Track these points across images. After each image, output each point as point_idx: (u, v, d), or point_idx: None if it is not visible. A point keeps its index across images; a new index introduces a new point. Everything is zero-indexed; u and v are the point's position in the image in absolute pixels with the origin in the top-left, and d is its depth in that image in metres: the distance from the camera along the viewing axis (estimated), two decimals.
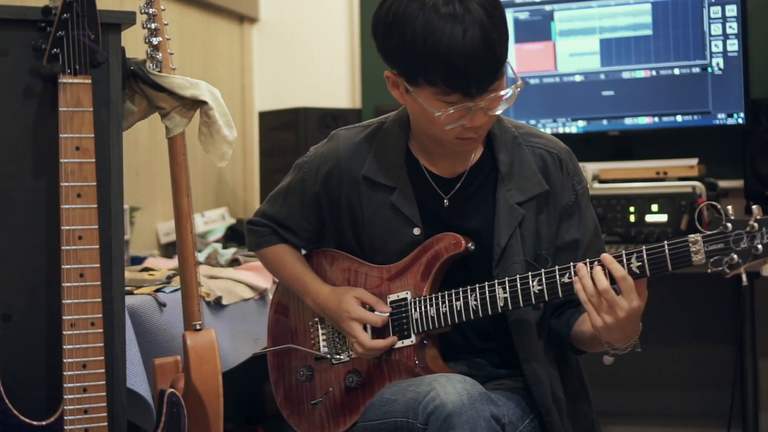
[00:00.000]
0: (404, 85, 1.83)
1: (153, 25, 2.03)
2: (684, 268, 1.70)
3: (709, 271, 1.68)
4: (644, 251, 1.72)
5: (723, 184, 3.29)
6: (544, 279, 1.81)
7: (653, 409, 3.66)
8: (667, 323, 3.61)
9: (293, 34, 4.13)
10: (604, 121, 3.42)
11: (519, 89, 1.82)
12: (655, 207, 3.08)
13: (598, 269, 1.74)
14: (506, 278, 1.85)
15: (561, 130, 3.44)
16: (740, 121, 3.24)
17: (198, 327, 2.03)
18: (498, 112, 1.82)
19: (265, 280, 2.72)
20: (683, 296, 3.57)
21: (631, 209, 3.11)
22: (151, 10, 2.04)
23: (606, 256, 1.74)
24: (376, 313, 1.95)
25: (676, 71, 3.32)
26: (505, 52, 1.78)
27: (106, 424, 1.78)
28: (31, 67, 1.83)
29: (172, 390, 1.87)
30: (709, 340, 3.59)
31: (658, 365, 3.66)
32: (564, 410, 1.95)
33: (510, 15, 3.50)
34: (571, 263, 1.79)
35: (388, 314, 1.95)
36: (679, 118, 3.34)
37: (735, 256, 1.66)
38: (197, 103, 2.02)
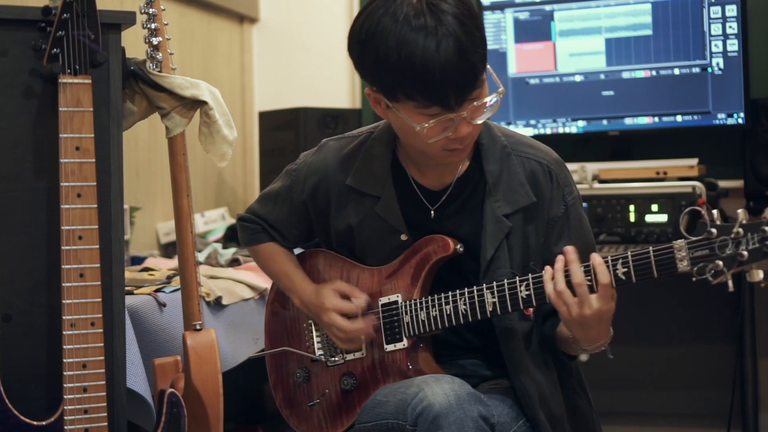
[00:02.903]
0: (385, 102, 1.82)
1: (153, 25, 2.03)
2: (669, 274, 1.69)
3: (694, 279, 1.66)
4: (630, 257, 1.71)
5: (723, 184, 3.29)
6: (531, 284, 1.81)
7: (653, 409, 3.66)
8: (667, 323, 3.61)
9: (293, 34, 4.13)
10: (604, 121, 3.42)
11: (502, 96, 1.80)
12: (655, 207, 3.08)
13: (575, 265, 1.74)
14: (494, 283, 1.85)
15: (561, 130, 3.44)
16: (740, 121, 3.24)
17: (198, 327, 2.03)
18: (481, 121, 1.80)
19: (265, 280, 2.72)
20: (683, 296, 3.57)
21: (631, 209, 3.11)
22: (151, 10, 2.04)
23: (596, 258, 1.74)
24: (353, 300, 1.96)
25: (676, 71, 3.32)
26: (481, 60, 1.75)
27: (106, 424, 1.78)
28: (31, 67, 1.83)
29: (172, 390, 1.87)
30: (709, 340, 3.58)
31: (658, 365, 3.66)
32: (558, 416, 1.94)
33: (510, 15, 3.50)
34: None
35: (363, 300, 1.95)
36: (679, 118, 3.34)
37: (720, 263, 1.62)
38: (197, 103, 2.02)
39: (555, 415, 1.94)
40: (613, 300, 1.75)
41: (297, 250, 2.18)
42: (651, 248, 1.69)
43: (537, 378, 1.93)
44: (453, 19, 1.72)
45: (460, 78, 1.72)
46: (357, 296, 1.96)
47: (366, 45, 1.77)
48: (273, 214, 2.12)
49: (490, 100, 1.80)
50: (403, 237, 1.96)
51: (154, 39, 2.03)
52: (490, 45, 3.52)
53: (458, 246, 1.92)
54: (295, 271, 2.09)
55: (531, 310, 1.89)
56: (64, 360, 1.76)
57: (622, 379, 3.65)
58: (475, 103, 1.77)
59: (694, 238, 1.66)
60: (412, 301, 1.93)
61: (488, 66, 1.79)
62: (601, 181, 3.24)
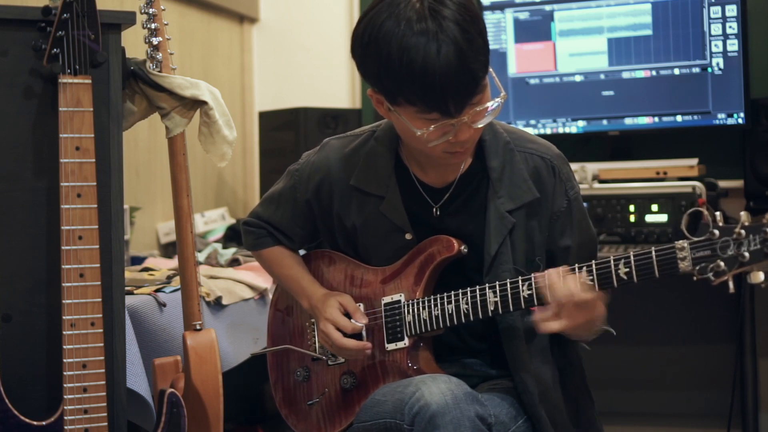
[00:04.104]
0: (387, 104, 1.82)
1: (153, 25, 2.03)
2: (671, 274, 1.70)
3: (695, 278, 1.67)
4: (632, 257, 1.72)
5: (723, 184, 3.29)
6: (533, 283, 1.81)
7: (653, 409, 3.66)
8: (668, 323, 3.61)
9: (293, 34, 4.13)
10: (604, 121, 3.42)
11: (503, 100, 1.80)
12: (655, 207, 3.08)
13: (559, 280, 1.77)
14: (497, 282, 1.85)
15: (561, 130, 3.44)
16: (740, 121, 3.24)
17: (198, 327, 2.03)
18: (482, 125, 1.80)
19: (265, 280, 2.72)
20: (684, 296, 3.57)
21: (631, 209, 3.11)
22: (151, 10, 2.04)
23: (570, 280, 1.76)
24: (352, 321, 1.96)
25: (676, 71, 3.32)
26: (483, 66, 1.75)
27: (106, 424, 1.78)
28: (31, 67, 1.83)
29: (172, 390, 1.87)
30: (709, 340, 3.59)
31: (658, 365, 3.66)
32: (559, 414, 1.95)
33: (510, 15, 3.50)
34: (552, 269, 1.79)
35: (361, 325, 1.95)
36: (679, 118, 3.34)
37: (721, 264, 1.64)
38: (197, 103, 2.02)
39: (556, 413, 1.94)
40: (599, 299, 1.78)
41: (300, 252, 2.18)
42: (653, 248, 1.70)
43: (539, 375, 1.93)
44: (454, 26, 1.71)
45: (460, 85, 1.72)
46: (357, 319, 1.96)
47: (368, 49, 1.77)
48: (276, 215, 2.12)
49: (491, 104, 1.79)
50: (408, 236, 1.96)
51: (154, 39, 2.03)
52: (490, 45, 3.50)
53: (462, 247, 1.92)
54: (304, 275, 2.09)
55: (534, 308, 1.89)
56: (64, 360, 1.76)
57: (622, 379, 3.65)
58: (477, 108, 1.77)
59: (696, 239, 1.67)
60: (415, 300, 1.93)
61: (490, 69, 1.79)
62: (601, 181, 3.24)
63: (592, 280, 1.75)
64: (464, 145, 1.82)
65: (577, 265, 1.78)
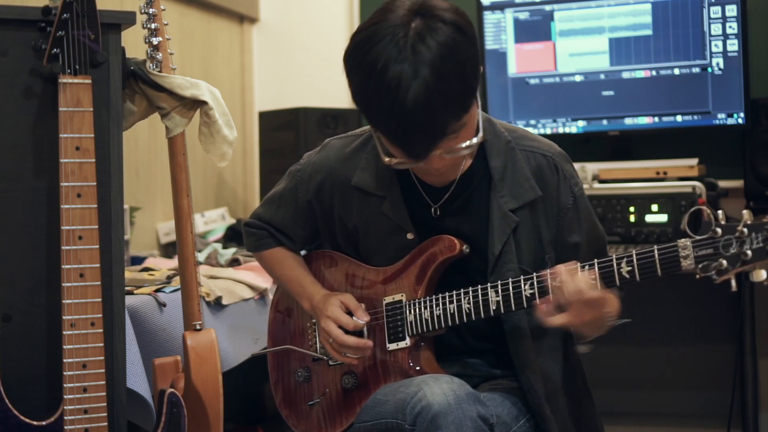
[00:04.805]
0: None
1: (153, 25, 2.04)
2: (673, 272, 1.69)
3: (697, 276, 1.67)
4: (634, 256, 1.72)
5: (723, 184, 3.29)
6: (535, 282, 1.81)
7: (653, 409, 3.66)
8: (667, 323, 3.61)
9: (293, 34, 4.13)
10: (604, 121, 3.42)
11: (479, 142, 1.77)
12: (655, 207, 3.08)
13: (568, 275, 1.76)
14: (498, 282, 1.85)
15: (561, 130, 3.44)
16: (740, 121, 3.24)
17: (198, 327, 2.03)
18: (456, 156, 1.77)
19: (265, 280, 2.72)
20: (684, 296, 3.57)
21: (631, 209, 3.11)
22: (151, 10, 2.04)
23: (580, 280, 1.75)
24: (354, 318, 1.96)
25: (676, 71, 3.32)
26: (454, 114, 1.69)
27: (106, 424, 1.78)
28: (31, 67, 1.83)
29: (172, 390, 1.87)
30: (709, 340, 3.59)
31: (658, 365, 3.66)
32: (563, 413, 1.95)
33: (510, 15, 3.50)
34: (561, 266, 1.79)
35: (363, 322, 1.95)
36: (679, 118, 3.34)
37: (724, 262, 1.64)
38: (197, 103, 2.02)
39: (560, 412, 1.94)
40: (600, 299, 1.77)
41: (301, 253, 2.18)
42: (655, 247, 1.70)
43: (547, 374, 1.93)
44: (429, 70, 1.66)
45: (423, 130, 1.69)
46: (359, 316, 1.96)
47: (352, 72, 1.75)
48: (278, 216, 2.12)
49: (465, 144, 1.75)
50: (410, 236, 1.96)
51: (154, 39, 2.03)
52: (490, 45, 3.52)
53: (464, 247, 1.92)
54: (305, 276, 2.09)
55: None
56: (64, 360, 1.76)
57: (622, 379, 3.65)
58: (452, 145, 1.73)
59: (698, 237, 1.67)
60: (416, 300, 1.93)
61: (477, 107, 1.75)
62: (601, 181, 3.24)
63: (594, 279, 1.75)
64: (439, 171, 1.82)
65: (579, 264, 1.77)
